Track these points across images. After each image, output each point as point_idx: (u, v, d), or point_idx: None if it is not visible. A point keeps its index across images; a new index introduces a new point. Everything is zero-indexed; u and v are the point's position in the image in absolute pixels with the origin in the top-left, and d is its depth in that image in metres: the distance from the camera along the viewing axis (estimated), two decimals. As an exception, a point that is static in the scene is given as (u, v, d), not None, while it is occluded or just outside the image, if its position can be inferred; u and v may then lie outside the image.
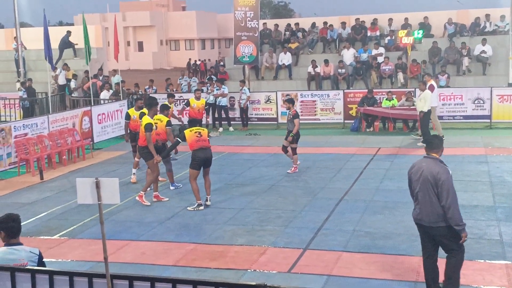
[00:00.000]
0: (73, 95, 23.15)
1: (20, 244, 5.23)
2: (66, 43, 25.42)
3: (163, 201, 11.54)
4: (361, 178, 12.90)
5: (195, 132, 10.90)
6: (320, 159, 15.08)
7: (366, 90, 20.17)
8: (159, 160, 11.37)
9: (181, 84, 25.36)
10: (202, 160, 10.87)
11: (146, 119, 11.50)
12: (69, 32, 25.82)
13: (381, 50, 23.85)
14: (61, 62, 24.93)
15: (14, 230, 5.20)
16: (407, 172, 7.01)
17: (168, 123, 12.04)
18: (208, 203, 11.10)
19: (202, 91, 19.54)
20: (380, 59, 23.36)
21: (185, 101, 17.86)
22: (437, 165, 6.62)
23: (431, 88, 16.73)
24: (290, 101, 13.93)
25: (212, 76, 24.99)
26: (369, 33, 25.14)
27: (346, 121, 20.15)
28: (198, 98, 16.78)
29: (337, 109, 20.38)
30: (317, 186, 12.32)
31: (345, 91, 20.84)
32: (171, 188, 12.46)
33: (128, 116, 13.76)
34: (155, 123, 11.88)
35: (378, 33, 25.20)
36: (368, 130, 19.32)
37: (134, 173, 13.21)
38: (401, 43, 21.51)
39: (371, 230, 9.37)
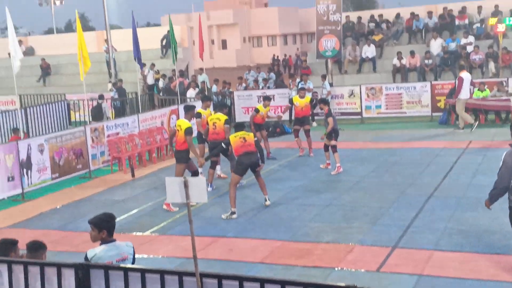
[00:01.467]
0: (161, 94, 23.86)
1: (115, 240, 5.45)
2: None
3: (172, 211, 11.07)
4: (452, 173, 12.44)
5: (240, 138, 10.79)
6: (407, 153, 14.69)
7: (455, 81, 19.41)
8: (203, 163, 11.41)
9: (247, 79, 25.05)
10: (247, 166, 10.74)
11: (186, 123, 11.15)
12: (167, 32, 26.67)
13: (471, 39, 22.87)
14: (149, 62, 25.72)
15: (113, 228, 5.46)
16: (509, 161, 6.79)
17: (226, 121, 11.98)
18: (268, 203, 10.97)
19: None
20: (469, 49, 22.38)
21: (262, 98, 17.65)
22: None
23: (460, 80, 16.90)
24: (323, 102, 13.93)
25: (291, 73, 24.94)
26: (457, 22, 24.17)
27: (434, 114, 19.49)
28: (302, 97, 15.70)
29: (424, 102, 19.76)
30: (405, 182, 12.00)
31: (432, 82, 20.16)
32: (208, 189, 12.04)
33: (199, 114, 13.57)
34: (213, 122, 11.97)
35: (466, 21, 24.18)
36: (457, 122, 18.58)
37: (219, 169, 13.32)
38: (495, 31, 20.54)
39: (463, 228, 9.01)
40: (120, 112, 22.01)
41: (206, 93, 20.91)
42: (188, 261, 8.29)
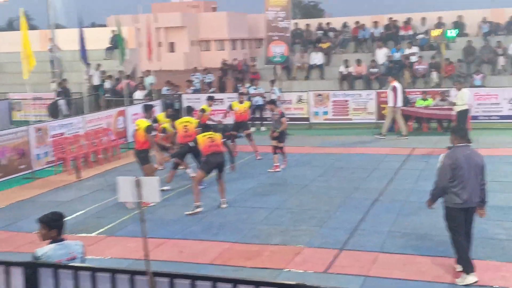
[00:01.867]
0: (107, 95, 23.48)
1: (64, 239, 5.36)
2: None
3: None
4: (396, 178, 12.79)
5: (208, 137, 10.95)
6: (353, 159, 15.00)
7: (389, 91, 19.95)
8: (167, 160, 11.53)
9: (193, 81, 24.91)
10: (213, 165, 10.91)
11: (145, 122, 11.29)
12: (113, 32, 26.33)
13: (415, 49, 23.60)
14: (95, 62, 25.28)
15: (62, 227, 5.36)
16: (448, 162, 7.25)
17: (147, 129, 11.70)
18: (224, 206, 11.06)
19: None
20: (413, 59, 23.10)
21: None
22: (479, 153, 7.50)
23: (394, 90, 17.64)
24: (273, 103, 14.55)
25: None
26: (402, 32, 24.89)
27: (379, 121, 19.98)
28: (241, 102, 16.09)
29: (369, 109, 20.24)
30: (351, 186, 12.26)
31: (377, 90, 20.68)
32: (166, 188, 12.18)
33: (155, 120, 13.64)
34: (184, 125, 12.05)
35: (411, 32, 24.92)
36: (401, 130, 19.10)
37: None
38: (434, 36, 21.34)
39: (407, 231, 9.29)
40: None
41: (154, 95, 20.76)
42: (136, 262, 8.21)
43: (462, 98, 16.09)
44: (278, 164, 13.94)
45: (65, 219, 5.45)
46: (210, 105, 15.70)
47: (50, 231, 5.26)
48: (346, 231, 9.39)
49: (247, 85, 21.35)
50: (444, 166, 7.30)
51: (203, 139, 10.97)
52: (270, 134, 14.13)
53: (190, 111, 13.20)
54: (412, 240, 8.88)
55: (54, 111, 19.05)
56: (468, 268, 7.28)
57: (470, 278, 7.22)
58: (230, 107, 16.04)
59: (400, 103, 17.93)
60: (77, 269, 4.92)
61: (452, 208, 7.33)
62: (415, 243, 8.74)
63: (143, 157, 11.35)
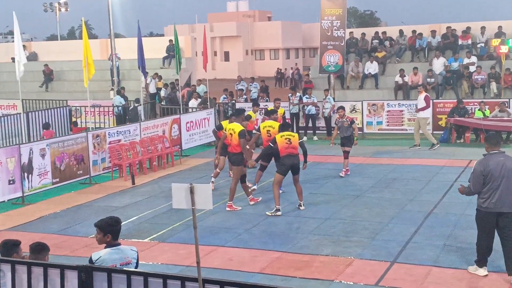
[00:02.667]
0: (162, 103, 23.93)
1: (120, 244, 5.48)
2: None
3: (253, 203, 11.84)
4: (452, 191, 12.46)
5: (286, 138, 11.08)
6: (407, 170, 14.73)
7: (457, 100, 19.54)
8: (253, 164, 11.80)
9: (238, 89, 24.86)
10: (288, 166, 11.13)
11: (239, 126, 11.79)
12: (170, 41, 26.91)
13: (473, 59, 23.01)
14: (151, 71, 25.84)
15: (119, 232, 5.49)
16: (480, 169, 7.60)
17: (241, 133, 11.89)
18: (302, 208, 11.37)
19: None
20: (472, 68, 22.53)
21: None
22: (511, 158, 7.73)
23: (427, 100, 17.61)
24: (342, 108, 14.69)
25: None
26: (460, 42, 24.34)
27: (435, 132, 19.55)
28: (277, 108, 16.24)
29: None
30: (404, 198, 12.04)
31: (434, 100, 20.25)
32: (254, 187, 12.63)
33: (220, 127, 13.93)
34: (267, 130, 12.31)
35: (470, 41, 24.33)
36: (458, 141, 18.67)
37: (212, 182, 13.31)
38: (498, 52, 20.75)
39: (463, 246, 9.04)
40: (121, 119, 22.07)
41: (209, 103, 21.01)
42: (187, 269, 8.32)
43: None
44: (348, 168, 14.33)
45: (120, 224, 5.56)
46: (255, 112, 15.56)
47: (105, 236, 5.39)
48: (399, 244, 9.22)
49: (297, 94, 21.28)
50: (476, 172, 7.70)
51: (280, 139, 11.21)
52: (344, 145, 14.29)
53: (271, 113, 13.13)
54: (467, 254, 8.63)
55: (134, 117, 20.17)
56: (481, 263, 7.90)
57: (481, 271, 7.90)
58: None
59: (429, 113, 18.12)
60: (130, 273, 5.03)
61: (481, 211, 7.77)
62: (471, 258, 8.47)
63: (236, 159, 11.77)
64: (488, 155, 7.76)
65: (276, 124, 12.56)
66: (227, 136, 12.03)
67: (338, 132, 14.42)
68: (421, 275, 7.93)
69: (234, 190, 11.69)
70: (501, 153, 7.71)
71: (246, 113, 15.25)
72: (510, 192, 7.53)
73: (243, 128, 11.83)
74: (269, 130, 12.50)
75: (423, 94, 17.87)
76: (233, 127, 11.86)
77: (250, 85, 25.48)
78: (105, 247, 5.41)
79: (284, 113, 17.48)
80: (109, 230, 5.40)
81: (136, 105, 21.00)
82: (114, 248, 5.39)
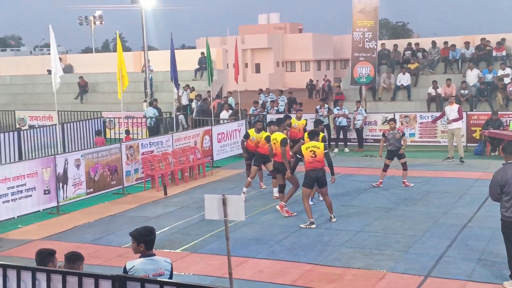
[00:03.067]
0: (194, 115, 24.12)
1: (154, 254, 5.52)
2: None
3: (292, 215, 11.81)
4: (486, 204, 12.24)
5: (311, 151, 11.02)
6: (441, 183, 14.54)
7: (491, 112, 19.23)
8: (289, 176, 11.84)
9: (260, 101, 24.68)
10: (313, 179, 11.14)
11: (281, 135, 12.01)
12: (202, 54, 27.25)
13: (508, 70, 22.63)
14: (183, 83, 26.10)
15: (152, 243, 5.53)
16: (498, 178, 7.78)
17: (283, 141, 11.99)
18: (334, 220, 11.34)
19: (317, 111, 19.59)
20: (506, 80, 22.16)
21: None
22: None
23: (460, 111, 17.41)
24: (393, 120, 14.72)
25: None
26: (494, 53, 23.98)
27: (469, 145, 19.28)
28: (299, 118, 16.40)
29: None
30: (438, 211, 11.88)
31: (468, 112, 19.97)
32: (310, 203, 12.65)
33: (247, 135, 14.32)
34: (274, 143, 12.15)
35: (504, 53, 23.96)
36: (493, 154, 18.34)
37: (244, 192, 13.36)
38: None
39: (498, 260, 8.86)
40: (154, 131, 22.32)
41: (240, 115, 21.11)
42: (218, 280, 8.34)
43: None
44: (405, 180, 14.44)
45: (154, 234, 5.60)
46: (258, 131, 15.18)
47: (139, 246, 5.45)
48: (432, 258, 9.09)
49: (326, 106, 21.16)
50: (493, 182, 7.88)
51: (306, 152, 11.19)
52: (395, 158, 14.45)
53: (314, 135, 11.75)
54: (503, 269, 8.44)
55: (176, 125, 20.95)
56: None
57: None
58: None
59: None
60: (163, 283, 5.06)
61: (505, 221, 7.87)
62: (507, 272, 8.30)
63: (281, 168, 11.95)
64: (507, 164, 7.89)
65: (320, 144, 11.41)
66: (272, 146, 12.19)
67: (385, 144, 14.44)
68: (455, 290, 7.80)
69: (292, 194, 11.90)
70: None
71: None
72: None
73: (285, 136, 11.99)
74: (313, 150, 11.26)
75: (456, 106, 17.65)
76: (276, 136, 12.08)
77: (278, 98, 25.41)
78: (140, 257, 5.46)
79: (306, 124, 17.44)
80: (143, 240, 5.46)
81: (177, 114, 21.34)
82: (148, 258, 5.44)
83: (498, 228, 10.28)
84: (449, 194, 13.30)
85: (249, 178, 13.59)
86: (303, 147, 11.31)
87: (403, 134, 14.61)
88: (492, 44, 24.38)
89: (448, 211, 11.91)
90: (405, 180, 14.42)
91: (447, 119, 17.68)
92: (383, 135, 14.73)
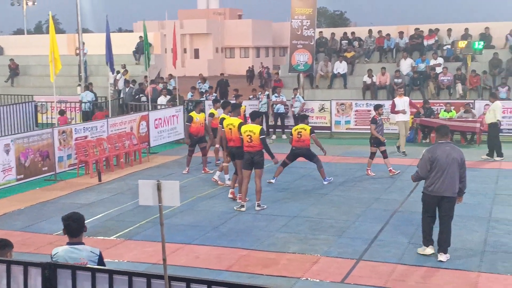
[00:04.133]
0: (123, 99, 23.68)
1: (82, 243, 5.35)
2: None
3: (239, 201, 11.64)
4: (417, 190, 12.56)
5: (247, 135, 11.12)
6: (374, 169, 14.87)
7: (423, 101, 19.84)
8: (276, 162, 11.99)
9: (200, 88, 24.58)
10: (249, 161, 11.22)
11: (238, 120, 11.73)
12: (140, 38, 26.71)
13: (440, 60, 23.41)
14: (119, 67, 25.57)
15: (71, 230, 5.28)
16: (428, 156, 8.43)
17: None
18: (257, 208, 11.31)
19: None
20: (438, 70, 22.92)
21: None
22: (458, 149, 8.59)
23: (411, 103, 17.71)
24: (379, 107, 14.62)
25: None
26: (426, 43, 24.69)
27: (401, 132, 19.79)
28: (240, 103, 16.39)
29: (392, 119, 20.06)
30: (371, 197, 12.19)
31: (401, 101, 20.50)
32: (324, 182, 13.36)
33: (190, 119, 14.20)
34: (229, 128, 11.79)
35: (435, 40, 24.68)
36: (424, 141, 18.96)
37: (219, 176, 13.48)
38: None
39: (427, 243, 9.17)
40: (89, 115, 21.79)
41: (178, 100, 20.91)
42: (153, 267, 8.27)
43: (495, 110, 15.89)
44: (390, 168, 14.28)
45: (75, 221, 5.30)
46: (216, 108, 15.26)
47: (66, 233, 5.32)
48: (364, 242, 9.33)
49: (266, 93, 21.25)
50: (423, 158, 8.53)
51: (244, 135, 11.18)
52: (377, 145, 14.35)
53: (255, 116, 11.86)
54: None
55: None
56: (427, 242, 8.69)
57: (428, 250, 8.65)
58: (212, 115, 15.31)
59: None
60: (95, 271, 4.97)
61: (426, 194, 8.61)
62: (435, 256, 8.63)
63: (239, 153, 11.61)
64: (437, 144, 8.58)
65: (307, 127, 13.35)
66: (225, 131, 11.87)
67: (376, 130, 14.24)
68: (386, 273, 8.04)
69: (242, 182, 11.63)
70: (448, 143, 8.55)
71: (209, 111, 15.34)
72: (453, 179, 8.37)
73: (241, 121, 11.84)
74: (231, 128, 11.85)
75: (406, 98, 17.74)
76: (232, 122, 11.73)
77: (201, 84, 25.04)
78: (67, 244, 5.31)
79: (245, 110, 17.48)
80: (63, 224, 5.31)
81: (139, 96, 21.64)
82: (72, 246, 5.26)
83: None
84: (381, 180, 13.67)
85: (225, 163, 13.33)
86: (242, 129, 11.30)
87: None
88: (425, 34, 25.12)
89: (380, 196, 12.24)
90: (391, 168, 14.27)
91: (403, 112, 17.29)
92: (374, 121, 14.36)
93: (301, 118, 14.30)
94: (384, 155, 14.29)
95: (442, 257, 8.46)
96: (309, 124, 14.20)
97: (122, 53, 27.18)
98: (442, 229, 8.57)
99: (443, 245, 8.51)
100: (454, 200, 8.55)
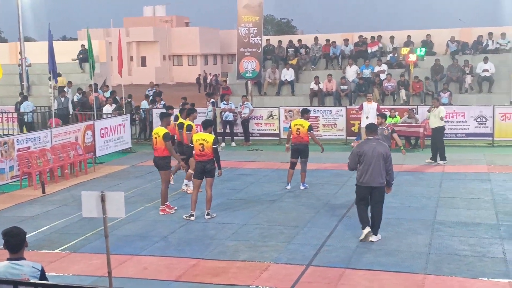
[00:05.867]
0: (75, 109, 23.17)
1: (23, 259, 5.15)
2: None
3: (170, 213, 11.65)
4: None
5: (200, 144, 11.00)
6: (322, 175, 15.06)
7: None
8: (184, 166, 12.35)
9: (149, 95, 24.26)
10: (201, 170, 11.12)
11: (163, 130, 11.65)
12: (82, 46, 26.18)
13: (384, 67, 23.93)
14: (65, 76, 25.03)
15: (10, 245, 5.08)
16: (357, 150, 9.53)
17: (166, 136, 11.64)
18: (207, 217, 11.23)
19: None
20: (382, 76, 23.42)
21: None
22: (384, 145, 9.63)
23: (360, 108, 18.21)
24: (382, 116, 14.72)
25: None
26: (370, 50, 25.20)
27: (348, 138, 20.15)
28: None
29: (339, 125, 20.42)
30: (319, 203, 12.29)
31: (347, 107, 20.89)
32: (301, 187, 13.46)
33: (190, 128, 13.62)
34: (297, 128, 12.77)
35: (377, 48, 25.21)
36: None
37: (186, 184, 13.42)
38: (407, 60, 21.71)
39: (374, 247, 9.32)
40: (30, 126, 21.20)
41: (124, 109, 20.60)
42: (100, 279, 8.07)
43: (439, 115, 16.33)
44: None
45: (16, 237, 5.09)
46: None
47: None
48: (313, 247, 9.39)
49: (211, 100, 21.19)
50: (353, 153, 9.60)
51: (195, 144, 11.10)
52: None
53: (208, 125, 11.67)
54: (378, 256, 8.92)
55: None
56: (364, 224, 9.56)
57: (365, 230, 9.50)
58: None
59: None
60: (37, 286, 4.80)
61: (358, 186, 9.58)
62: (382, 259, 8.78)
63: (163, 163, 11.65)
64: (366, 140, 9.69)
65: (306, 123, 13.32)
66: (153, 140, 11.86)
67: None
68: (335, 277, 8.11)
69: (165, 193, 11.68)
70: (375, 139, 9.56)
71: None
72: (379, 171, 9.33)
73: (167, 131, 11.69)
74: (299, 129, 13.25)
75: (375, 104, 18.02)
76: (158, 131, 11.72)
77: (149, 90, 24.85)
78: (7, 259, 5.10)
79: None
80: (3, 241, 5.10)
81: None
82: (13, 262, 5.07)
83: (374, 217, 10.88)
84: (329, 186, 13.82)
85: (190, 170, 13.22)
86: (193, 138, 11.23)
87: (393, 132, 14.00)
88: (368, 40, 25.64)
89: (328, 201, 12.37)
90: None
91: (367, 117, 17.49)
92: (311, 128, 13.43)
93: (302, 112, 13.94)
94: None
95: (373, 238, 9.53)
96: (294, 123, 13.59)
97: (67, 62, 26.63)
98: (374, 215, 9.57)
99: (375, 229, 9.59)
100: (383, 189, 9.51)
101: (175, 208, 11.87)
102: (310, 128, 13.38)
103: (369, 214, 9.71)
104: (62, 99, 22.29)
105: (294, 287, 7.87)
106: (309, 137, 13.44)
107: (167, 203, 11.81)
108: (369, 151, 9.35)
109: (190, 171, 13.17)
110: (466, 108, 19.79)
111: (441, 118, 16.26)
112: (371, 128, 9.81)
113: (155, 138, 11.74)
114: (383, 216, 10.87)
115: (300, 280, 8.08)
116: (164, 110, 15.95)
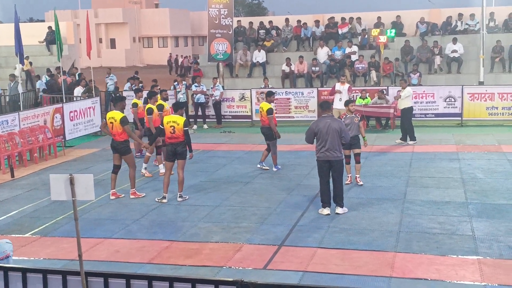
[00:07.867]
0: (43, 92, 22.80)
1: None
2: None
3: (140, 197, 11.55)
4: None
5: (170, 126, 10.93)
6: (294, 156, 15.12)
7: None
8: (147, 147, 12.29)
9: (107, 83, 23.99)
10: (172, 152, 11.10)
11: (120, 114, 11.32)
12: (49, 28, 25.64)
13: (355, 48, 24.02)
14: (33, 58, 24.55)
15: None
16: (313, 127, 10.02)
17: (123, 120, 11.35)
18: (179, 199, 11.24)
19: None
20: (354, 57, 23.51)
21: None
22: (338, 121, 10.30)
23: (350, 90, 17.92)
24: (353, 102, 13.04)
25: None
26: (340, 31, 25.24)
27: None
28: (166, 99, 15.98)
29: (311, 107, 20.47)
30: (292, 183, 12.36)
31: (319, 89, 20.94)
32: (274, 169, 13.51)
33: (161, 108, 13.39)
34: (110, 122, 11.38)
35: (348, 28, 25.27)
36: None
37: (146, 168, 13.36)
38: (378, 42, 21.81)
39: (345, 227, 9.42)
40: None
41: (94, 92, 20.33)
42: (71, 263, 8.02)
43: (407, 96, 16.50)
44: (350, 175, 12.22)
45: None
46: (139, 98, 15.05)
47: None
48: (286, 227, 9.45)
49: (184, 82, 21.02)
50: (309, 130, 10.12)
51: (166, 126, 11.01)
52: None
53: (178, 107, 11.49)
54: (350, 235, 9.02)
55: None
56: (325, 204, 10.07)
57: (325, 211, 10.03)
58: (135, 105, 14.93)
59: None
60: (7, 269, 4.76)
61: (318, 160, 10.12)
62: (353, 238, 8.88)
63: (123, 148, 11.37)
64: (321, 117, 10.18)
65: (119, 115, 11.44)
66: (107, 124, 11.49)
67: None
68: (307, 257, 8.18)
69: (134, 176, 11.55)
70: (329, 116, 10.13)
71: (132, 102, 14.96)
72: (334, 145, 9.90)
73: (124, 115, 11.37)
74: (112, 122, 11.39)
75: (347, 85, 17.79)
76: (114, 115, 11.32)
77: (107, 77, 24.50)
78: None
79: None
80: None
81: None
82: None
83: (346, 197, 10.95)
84: (301, 167, 13.89)
85: (148, 153, 13.30)
86: (164, 120, 11.13)
87: (362, 118, 12.77)
88: (339, 22, 25.67)
89: (300, 182, 12.44)
90: (358, 176, 12.14)
91: (340, 99, 17.12)
92: (343, 120, 11.57)
93: (266, 95, 13.63)
94: (357, 159, 12.05)
95: (339, 210, 10.06)
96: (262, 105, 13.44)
97: (34, 44, 26.12)
98: (336, 187, 10.08)
99: (339, 201, 10.09)
100: (341, 162, 10.14)
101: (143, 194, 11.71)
102: (269, 112, 13.18)
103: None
104: (12, 84, 21.88)
105: (267, 267, 7.92)
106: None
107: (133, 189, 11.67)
108: (324, 128, 9.88)
109: (147, 154, 13.26)
110: (435, 88, 20.02)
111: (400, 97, 16.53)
112: (324, 106, 10.33)
113: (111, 123, 11.26)
114: (355, 196, 11.04)
115: (272, 260, 8.14)
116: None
